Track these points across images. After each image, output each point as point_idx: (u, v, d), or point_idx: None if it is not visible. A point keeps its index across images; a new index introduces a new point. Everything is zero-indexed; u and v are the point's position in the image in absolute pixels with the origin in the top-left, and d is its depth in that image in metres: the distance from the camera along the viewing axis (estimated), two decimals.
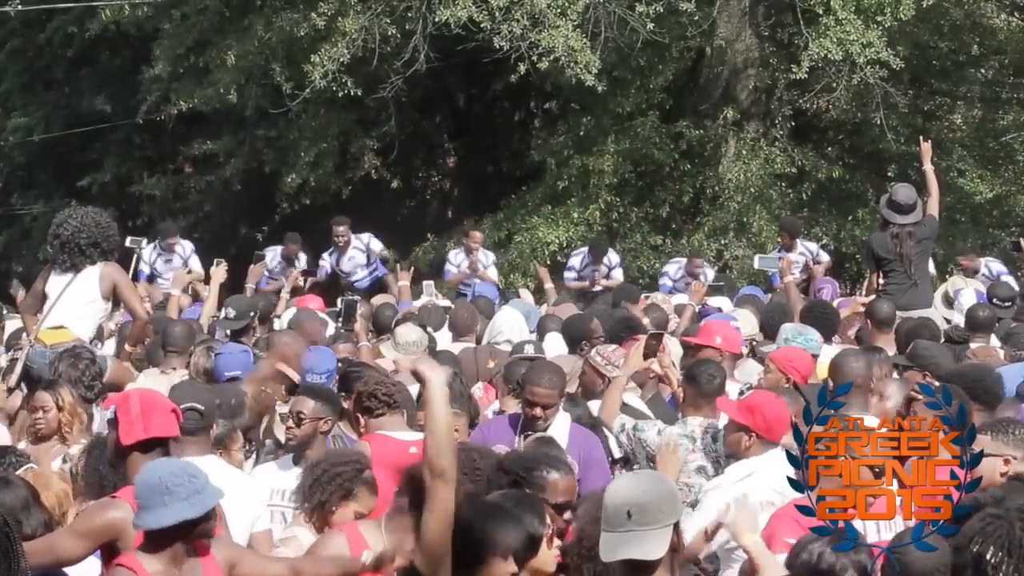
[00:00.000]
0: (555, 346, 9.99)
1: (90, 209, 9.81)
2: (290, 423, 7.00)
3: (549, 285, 14.22)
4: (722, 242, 19.57)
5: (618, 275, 16.13)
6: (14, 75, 26.93)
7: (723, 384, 7.48)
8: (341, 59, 18.95)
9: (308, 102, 20.22)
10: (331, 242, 16.78)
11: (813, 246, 16.27)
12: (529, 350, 9.10)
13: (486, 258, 16.53)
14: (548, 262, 18.31)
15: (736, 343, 8.94)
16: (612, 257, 16.43)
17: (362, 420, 6.96)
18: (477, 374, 9.70)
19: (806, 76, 18.57)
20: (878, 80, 18.59)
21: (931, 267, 13.54)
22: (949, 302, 12.04)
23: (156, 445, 5.62)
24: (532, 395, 7.26)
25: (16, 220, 27.24)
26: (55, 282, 9.47)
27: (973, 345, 9.96)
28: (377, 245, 16.82)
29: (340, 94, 19.74)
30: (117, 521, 5.29)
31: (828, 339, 9.42)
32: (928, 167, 12.59)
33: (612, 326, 9.62)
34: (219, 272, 12.07)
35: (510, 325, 9.87)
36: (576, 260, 16.33)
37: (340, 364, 8.69)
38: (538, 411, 7.26)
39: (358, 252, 16.78)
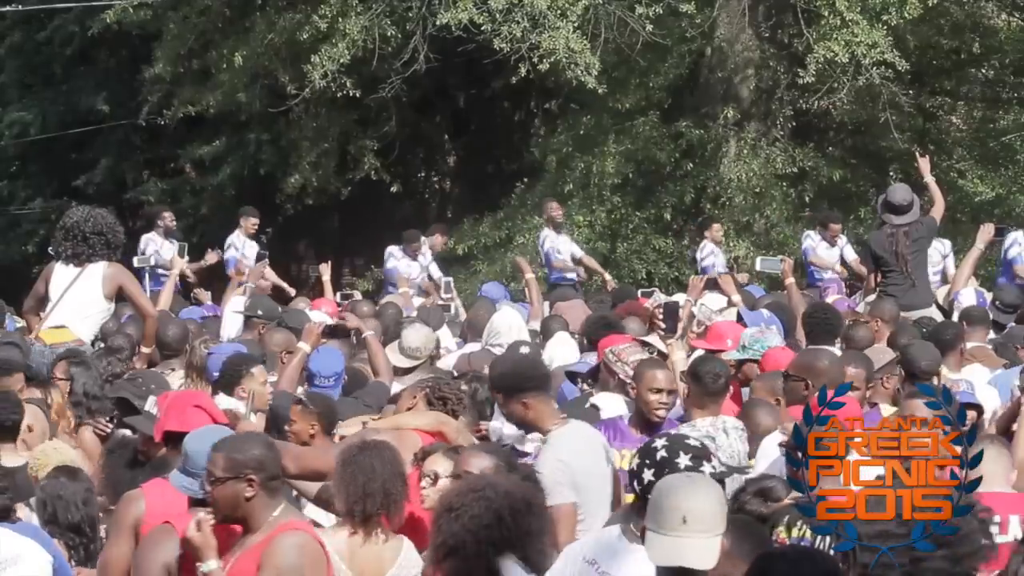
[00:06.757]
0: (562, 347, 9.80)
1: (97, 208, 9.89)
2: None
3: (530, 275, 13.75)
4: (726, 243, 19.50)
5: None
6: (12, 70, 26.84)
7: (728, 382, 7.26)
8: (341, 60, 18.94)
9: (308, 103, 20.20)
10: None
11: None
12: (524, 351, 8.87)
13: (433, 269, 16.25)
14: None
15: None
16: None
17: None
18: None
19: (813, 79, 18.54)
20: (884, 81, 18.56)
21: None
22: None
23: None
24: None
25: (4, 213, 27.18)
26: (59, 277, 9.45)
27: (969, 345, 9.89)
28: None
29: (339, 95, 19.72)
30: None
31: (831, 342, 9.29)
32: (929, 179, 12.60)
33: (588, 325, 9.50)
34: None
35: (508, 326, 9.72)
36: None
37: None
38: None
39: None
